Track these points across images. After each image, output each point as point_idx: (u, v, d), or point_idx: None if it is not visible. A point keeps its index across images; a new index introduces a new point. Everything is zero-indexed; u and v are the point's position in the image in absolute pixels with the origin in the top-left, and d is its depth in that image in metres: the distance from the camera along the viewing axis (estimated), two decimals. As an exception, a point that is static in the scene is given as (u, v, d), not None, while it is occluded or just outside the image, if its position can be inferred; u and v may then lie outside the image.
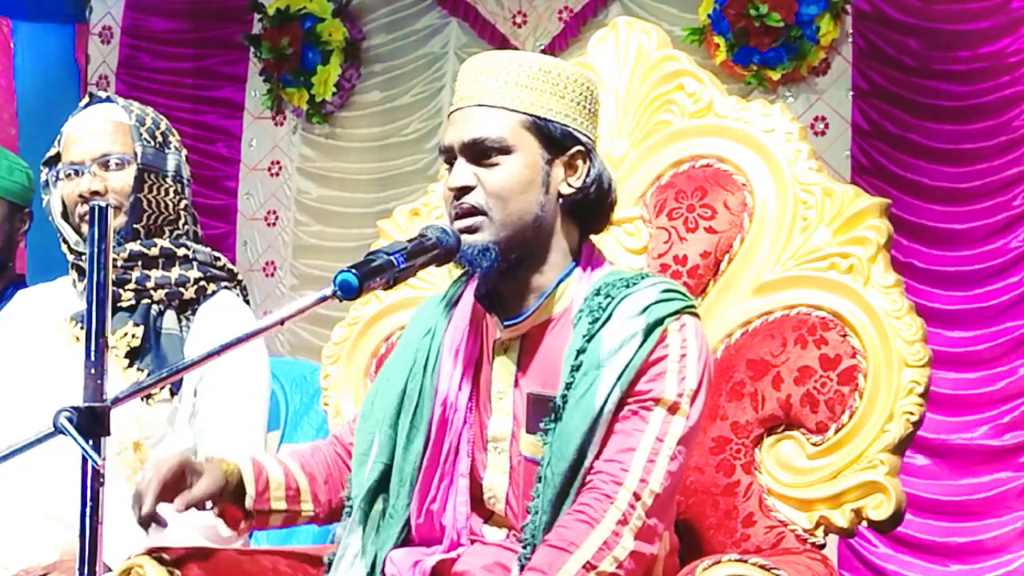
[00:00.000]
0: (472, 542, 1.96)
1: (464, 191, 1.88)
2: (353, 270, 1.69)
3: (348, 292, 1.68)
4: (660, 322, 1.85)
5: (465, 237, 1.88)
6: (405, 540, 1.98)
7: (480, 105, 1.89)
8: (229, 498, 1.96)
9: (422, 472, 1.96)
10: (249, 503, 1.97)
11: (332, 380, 2.51)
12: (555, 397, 1.86)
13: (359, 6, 5.68)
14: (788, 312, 2.17)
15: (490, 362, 1.98)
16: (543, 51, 5.28)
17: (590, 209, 1.96)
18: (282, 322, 1.67)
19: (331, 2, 5.63)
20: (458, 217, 1.89)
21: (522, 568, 1.81)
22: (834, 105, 4.92)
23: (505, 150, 1.88)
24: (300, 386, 2.99)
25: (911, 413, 2.06)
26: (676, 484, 1.87)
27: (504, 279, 1.92)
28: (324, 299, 1.68)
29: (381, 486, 1.99)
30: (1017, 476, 4.48)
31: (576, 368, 1.85)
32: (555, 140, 1.90)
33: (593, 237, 2.01)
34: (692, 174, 2.28)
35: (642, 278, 1.92)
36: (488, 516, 2.00)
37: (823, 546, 2.11)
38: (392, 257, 1.76)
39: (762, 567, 1.81)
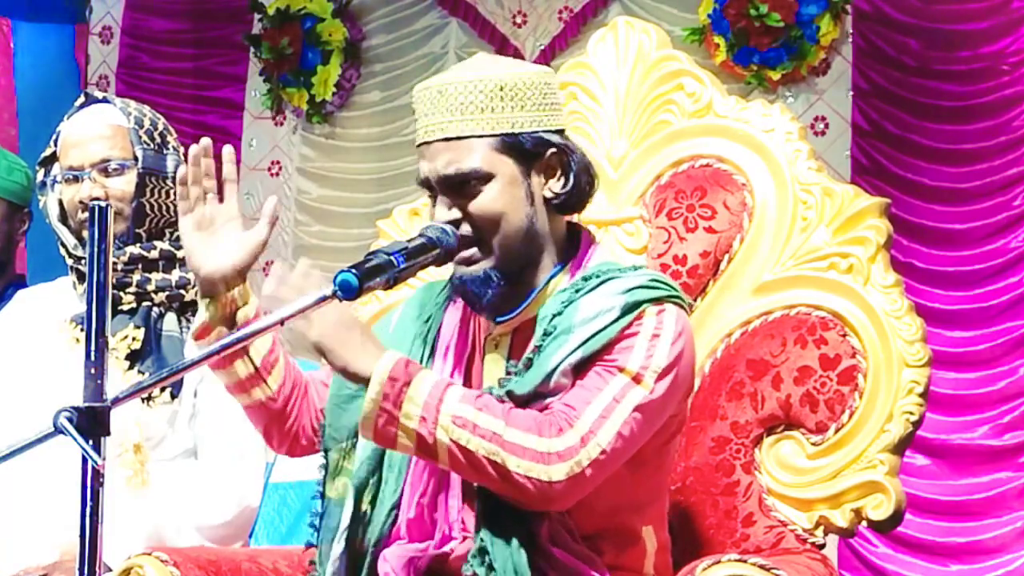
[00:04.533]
0: (464, 537, 1.96)
1: (452, 225, 1.89)
2: (353, 270, 1.69)
3: (348, 292, 1.68)
4: (640, 304, 1.85)
5: (461, 269, 1.89)
6: (392, 530, 1.95)
7: (447, 139, 1.88)
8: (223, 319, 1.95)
9: (412, 466, 1.95)
10: (241, 319, 1.96)
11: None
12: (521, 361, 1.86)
13: (359, 6, 5.68)
14: (788, 312, 2.17)
15: (482, 358, 1.98)
16: (543, 51, 5.29)
17: (578, 200, 1.96)
18: (282, 322, 1.67)
19: (331, 2, 5.62)
20: None
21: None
22: (834, 105, 4.92)
23: (483, 178, 1.88)
24: (300, 386, 2.99)
25: (911, 413, 2.06)
26: (624, 451, 1.82)
27: (500, 289, 1.92)
28: (324, 299, 1.68)
29: (373, 469, 1.97)
30: (1017, 476, 4.48)
31: (548, 333, 1.86)
32: (528, 151, 1.90)
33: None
34: (692, 174, 2.28)
35: (634, 268, 1.93)
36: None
37: (823, 546, 2.11)
38: (392, 257, 1.76)
39: (762, 567, 1.82)
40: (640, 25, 2.41)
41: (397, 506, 1.96)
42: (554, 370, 1.83)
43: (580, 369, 1.84)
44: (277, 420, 2.03)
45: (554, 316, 1.86)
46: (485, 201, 1.88)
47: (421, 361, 1.98)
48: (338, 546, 1.94)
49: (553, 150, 1.92)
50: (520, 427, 1.77)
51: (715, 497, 2.14)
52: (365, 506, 1.97)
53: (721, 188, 2.25)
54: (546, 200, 1.93)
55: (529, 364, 1.86)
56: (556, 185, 1.93)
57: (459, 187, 1.88)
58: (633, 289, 1.86)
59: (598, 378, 1.83)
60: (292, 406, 2.02)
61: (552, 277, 1.94)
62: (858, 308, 2.11)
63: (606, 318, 1.84)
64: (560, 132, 1.94)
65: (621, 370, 1.83)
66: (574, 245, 1.98)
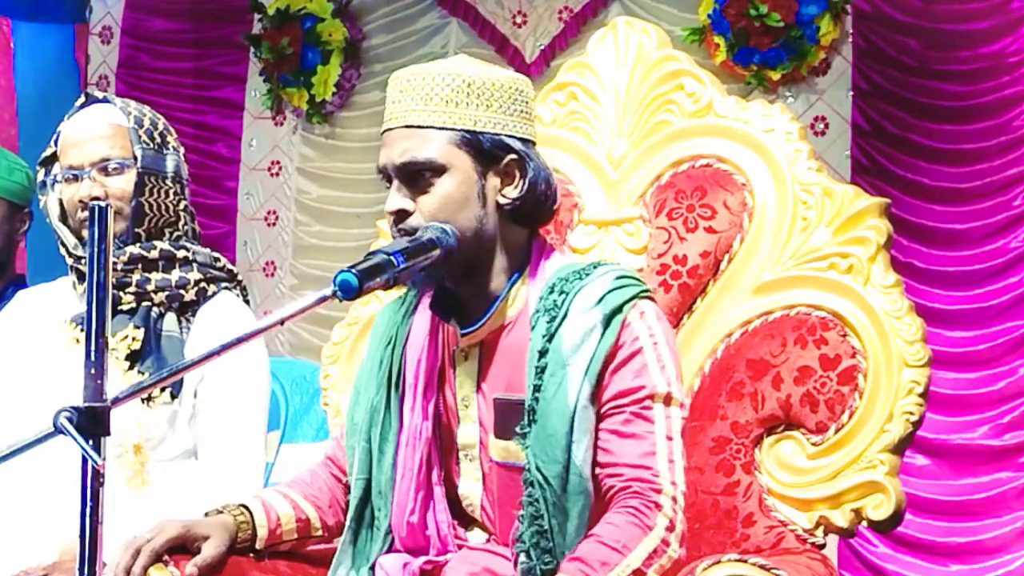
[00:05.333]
0: (460, 547, 1.97)
1: (402, 215, 1.90)
2: (353, 270, 1.69)
3: (348, 292, 1.69)
4: (618, 310, 1.87)
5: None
6: (391, 550, 1.99)
7: (408, 126, 1.89)
8: (232, 548, 1.96)
9: (396, 485, 1.97)
10: (260, 544, 1.99)
11: (332, 380, 2.50)
12: (524, 401, 1.86)
13: (359, 6, 5.68)
14: (788, 312, 2.17)
15: (452, 370, 1.98)
16: (543, 51, 5.29)
17: (532, 211, 1.95)
18: (282, 322, 1.67)
19: (331, 2, 5.62)
20: None
21: (553, 564, 1.81)
22: (834, 105, 4.92)
23: (437, 170, 1.88)
24: (300, 386, 3.00)
25: (911, 413, 2.06)
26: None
27: (455, 289, 1.94)
28: (324, 299, 1.68)
29: (365, 500, 2.01)
30: (1017, 476, 4.48)
31: (541, 370, 1.85)
32: (487, 152, 1.90)
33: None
34: (692, 174, 2.28)
35: (594, 267, 1.93)
36: (470, 523, 2.01)
37: (823, 546, 2.11)
38: (392, 257, 1.76)
39: (762, 567, 1.82)
40: (640, 25, 2.41)
41: (391, 529, 1.98)
42: (575, 409, 1.83)
43: (596, 396, 1.85)
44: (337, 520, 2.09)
45: (541, 354, 1.86)
46: (436, 196, 1.88)
47: (390, 379, 2.00)
48: None
49: (513, 156, 1.92)
50: (631, 541, 1.78)
51: (715, 497, 2.14)
52: (363, 534, 2.01)
53: (721, 188, 2.25)
54: (500, 205, 1.93)
55: (533, 412, 1.85)
56: (512, 191, 1.92)
57: (413, 177, 1.89)
58: (604, 297, 1.87)
59: (642, 422, 1.85)
60: (340, 522, 2.07)
61: (512, 285, 1.94)
62: (858, 308, 2.11)
63: (593, 338, 1.85)
64: (525, 141, 1.94)
65: (652, 397, 1.85)
66: (534, 254, 1.98)
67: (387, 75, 2.04)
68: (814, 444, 2.11)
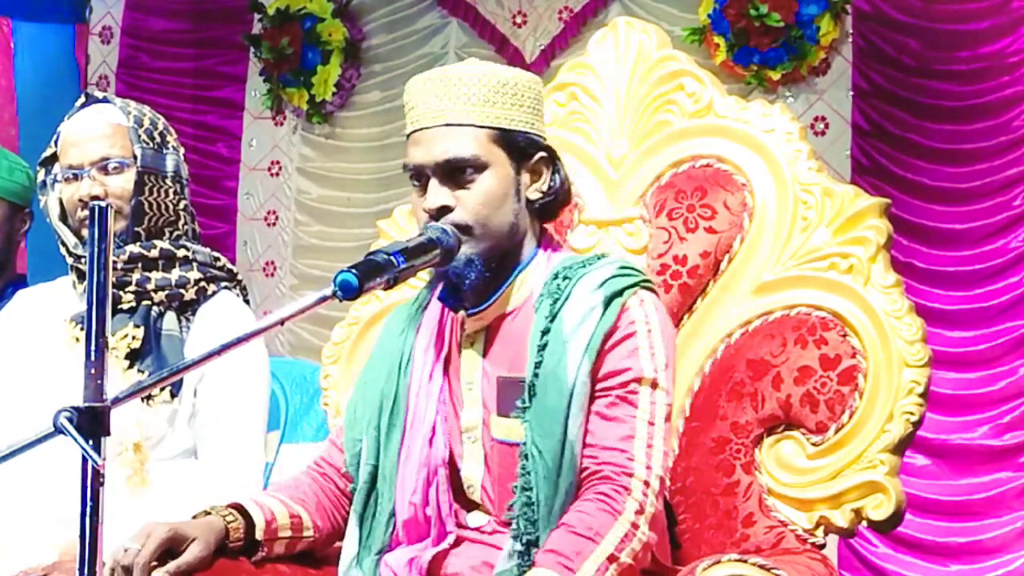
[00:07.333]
0: (460, 532, 1.99)
1: (443, 211, 1.92)
2: (353, 270, 1.70)
3: (348, 292, 1.69)
4: (619, 293, 1.92)
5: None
6: (393, 537, 2.00)
7: (448, 124, 1.93)
8: (223, 550, 1.95)
9: (400, 466, 2.00)
10: (260, 534, 1.98)
11: (332, 380, 2.51)
12: (524, 378, 1.90)
13: (359, 6, 5.68)
14: (788, 312, 2.17)
15: (459, 356, 2.02)
16: (543, 51, 5.29)
17: (555, 206, 2.03)
18: (282, 322, 1.67)
19: (331, 2, 5.62)
20: None
21: (525, 547, 1.85)
22: (834, 105, 4.92)
23: (480, 167, 1.93)
24: (300, 386, 2.99)
25: (911, 413, 2.06)
26: (669, 458, 1.95)
27: (474, 279, 1.96)
28: (324, 299, 1.68)
29: (371, 486, 2.03)
30: (1017, 476, 4.48)
31: (543, 347, 1.90)
32: (520, 149, 1.96)
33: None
34: (692, 174, 2.28)
35: (598, 258, 1.99)
36: (472, 507, 2.02)
37: (823, 546, 2.11)
38: (392, 257, 1.77)
39: (762, 567, 1.82)
40: (640, 25, 2.41)
41: (394, 512, 2.00)
42: (574, 384, 1.88)
43: (592, 379, 1.89)
44: (331, 541, 2.09)
45: (543, 333, 1.91)
46: (479, 192, 1.93)
47: (400, 367, 2.04)
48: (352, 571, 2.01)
49: (543, 153, 1.99)
50: (603, 528, 1.81)
51: (715, 497, 2.14)
52: (367, 522, 2.02)
53: (721, 188, 2.25)
54: (529, 201, 1.99)
55: (532, 388, 1.89)
56: (541, 187, 1.99)
57: (453, 174, 1.93)
58: (607, 282, 1.93)
59: (627, 405, 1.89)
60: (329, 526, 2.07)
61: (519, 272, 1.98)
62: (858, 308, 2.11)
63: (593, 318, 1.90)
64: (545, 139, 2.01)
65: (639, 381, 1.89)
66: (543, 244, 2.03)
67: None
68: (814, 444, 2.10)
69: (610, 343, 1.90)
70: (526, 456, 1.88)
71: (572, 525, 1.82)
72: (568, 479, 1.87)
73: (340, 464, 2.10)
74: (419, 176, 1.95)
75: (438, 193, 1.92)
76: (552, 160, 2.00)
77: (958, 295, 4.62)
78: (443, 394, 2.01)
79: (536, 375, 1.90)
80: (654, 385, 1.90)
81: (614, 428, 1.88)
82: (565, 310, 1.91)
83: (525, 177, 1.98)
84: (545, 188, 1.99)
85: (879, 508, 2.05)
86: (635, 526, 1.83)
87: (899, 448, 2.07)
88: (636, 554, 1.82)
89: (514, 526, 1.89)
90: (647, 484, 1.85)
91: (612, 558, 1.79)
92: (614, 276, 1.94)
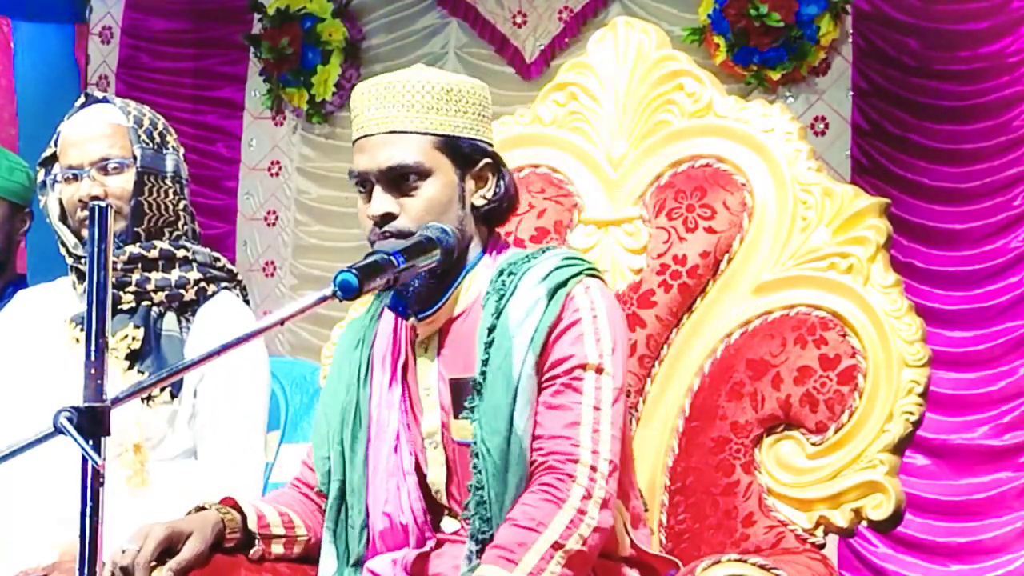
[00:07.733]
0: (437, 538, 1.99)
1: (387, 218, 1.93)
2: (353, 270, 1.70)
3: (348, 292, 1.69)
4: (564, 284, 1.92)
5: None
6: (370, 547, 2.00)
7: (392, 132, 1.93)
8: (220, 545, 1.96)
9: (369, 477, 2.00)
10: (252, 525, 1.99)
11: (332, 380, 2.50)
12: (474, 377, 1.90)
13: (359, 6, 5.68)
14: (788, 312, 2.17)
15: (415, 362, 2.02)
16: (543, 51, 5.29)
17: (501, 212, 2.03)
18: (282, 322, 1.67)
19: (331, 2, 5.62)
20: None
21: (481, 546, 1.85)
22: (834, 105, 4.92)
23: (423, 174, 1.93)
24: (300, 386, 2.99)
25: (911, 413, 2.06)
26: (621, 444, 1.92)
27: (420, 286, 1.96)
28: (324, 299, 1.68)
29: (340, 501, 2.03)
30: (1017, 476, 4.48)
31: (489, 344, 1.90)
32: (465, 156, 1.96)
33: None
34: (692, 174, 2.28)
35: (542, 251, 1.99)
36: (444, 511, 2.02)
37: (823, 546, 2.11)
38: (392, 257, 1.78)
39: (762, 567, 1.82)
40: (640, 25, 2.41)
41: (366, 524, 2.01)
42: (519, 378, 1.88)
43: (538, 371, 1.89)
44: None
45: (490, 331, 1.91)
46: (422, 199, 1.93)
47: (359, 378, 2.04)
48: None
49: (488, 160, 1.99)
50: (546, 518, 1.81)
51: (715, 497, 2.14)
52: (340, 537, 2.02)
53: (721, 188, 2.25)
54: (474, 207, 1.99)
55: (480, 385, 1.90)
56: (487, 194, 1.99)
57: (397, 181, 1.93)
58: (551, 273, 1.92)
59: (572, 392, 1.88)
60: (316, 531, 2.07)
61: (466, 274, 1.98)
62: (858, 308, 2.11)
63: (538, 311, 1.90)
64: (491, 146, 2.00)
65: (583, 367, 1.88)
66: (490, 246, 2.03)
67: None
68: (814, 444, 2.11)
69: (555, 333, 1.90)
70: (476, 455, 1.89)
71: (515, 519, 1.82)
72: (518, 474, 1.87)
73: (314, 483, 2.10)
74: (364, 183, 1.95)
75: (382, 200, 1.93)
76: (498, 166, 2.00)
77: (958, 295, 4.62)
78: (404, 402, 2.01)
79: (483, 373, 1.90)
80: (599, 370, 1.88)
81: (559, 416, 1.87)
82: (511, 305, 1.91)
83: (470, 183, 1.98)
84: (490, 195, 1.99)
85: (879, 508, 2.05)
86: (582, 512, 1.81)
87: (899, 448, 2.07)
88: (585, 539, 1.81)
89: (471, 526, 1.89)
90: (594, 468, 1.84)
91: (557, 545, 1.79)
92: (558, 267, 1.93)
